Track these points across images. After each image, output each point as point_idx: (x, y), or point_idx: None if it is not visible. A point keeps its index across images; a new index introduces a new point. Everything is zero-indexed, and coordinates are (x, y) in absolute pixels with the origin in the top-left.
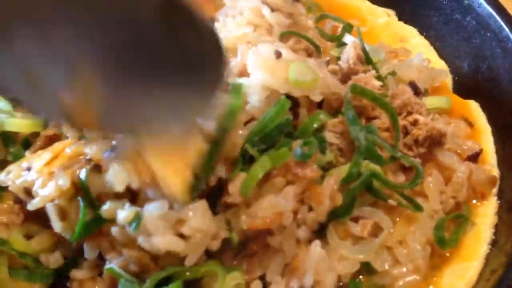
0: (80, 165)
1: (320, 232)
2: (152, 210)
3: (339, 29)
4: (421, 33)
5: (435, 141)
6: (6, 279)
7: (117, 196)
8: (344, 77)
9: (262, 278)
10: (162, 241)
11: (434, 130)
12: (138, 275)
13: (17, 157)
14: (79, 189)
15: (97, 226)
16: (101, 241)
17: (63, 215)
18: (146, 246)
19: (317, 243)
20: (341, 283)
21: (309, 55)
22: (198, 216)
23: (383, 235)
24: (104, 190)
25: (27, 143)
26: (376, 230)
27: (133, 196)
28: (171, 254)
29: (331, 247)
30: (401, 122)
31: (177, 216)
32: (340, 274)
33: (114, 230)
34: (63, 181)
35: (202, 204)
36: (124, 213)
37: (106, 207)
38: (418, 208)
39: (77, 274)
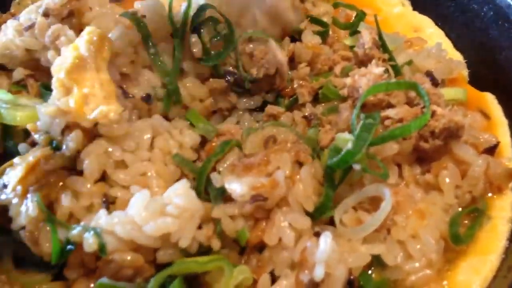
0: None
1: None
2: (135, 203)
3: (353, 19)
4: (436, 23)
5: (452, 133)
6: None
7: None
8: (359, 63)
9: (271, 272)
10: (153, 226)
11: (452, 122)
12: (131, 279)
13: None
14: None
15: (74, 248)
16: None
17: (34, 241)
18: (142, 240)
19: (327, 235)
20: (352, 277)
21: None
22: (181, 196)
23: (387, 203)
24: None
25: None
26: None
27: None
28: (167, 243)
29: (341, 238)
30: (417, 112)
31: (160, 201)
32: (350, 267)
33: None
34: (32, 209)
35: (183, 184)
36: (89, 241)
37: (74, 233)
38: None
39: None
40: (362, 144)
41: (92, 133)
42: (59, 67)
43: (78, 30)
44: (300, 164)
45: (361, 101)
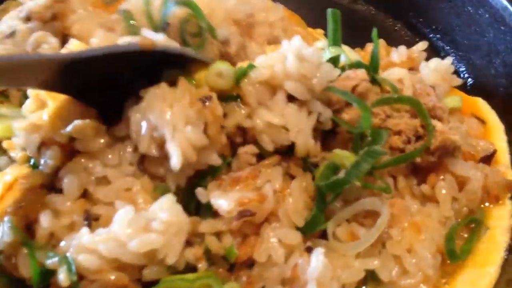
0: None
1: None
2: (119, 219)
3: None
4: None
5: (447, 151)
6: None
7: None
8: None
9: None
10: (138, 243)
11: (449, 141)
12: None
13: None
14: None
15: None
16: None
17: (13, 266)
18: (126, 257)
19: (319, 251)
20: None
21: None
22: (166, 210)
23: (383, 218)
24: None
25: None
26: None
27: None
28: (153, 260)
29: (334, 252)
30: (415, 124)
31: (145, 217)
32: (343, 283)
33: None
34: (7, 234)
35: (168, 198)
36: (61, 277)
37: (49, 263)
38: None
39: None
40: (356, 174)
41: (70, 149)
42: None
43: (61, 35)
44: (291, 177)
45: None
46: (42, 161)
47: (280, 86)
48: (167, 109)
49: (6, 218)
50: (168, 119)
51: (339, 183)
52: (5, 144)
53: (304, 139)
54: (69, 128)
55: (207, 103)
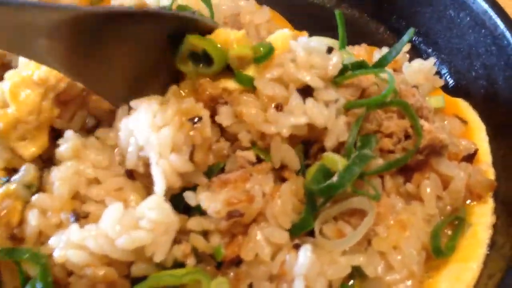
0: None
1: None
2: (108, 216)
3: None
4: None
5: (435, 150)
6: None
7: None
8: None
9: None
10: (126, 240)
11: (437, 140)
12: None
13: None
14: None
15: None
16: None
17: None
18: (115, 254)
19: (307, 248)
20: None
21: None
22: (154, 209)
23: (369, 217)
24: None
25: None
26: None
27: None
28: (141, 256)
29: (321, 249)
30: (405, 125)
31: (133, 215)
32: (330, 279)
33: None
34: None
35: (156, 199)
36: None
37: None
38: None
39: None
40: (349, 178)
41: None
42: (11, 75)
43: None
44: (283, 180)
45: (358, 123)
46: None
47: (293, 81)
48: (154, 133)
49: None
50: (154, 145)
51: (333, 187)
52: None
53: (334, 128)
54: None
55: (197, 124)
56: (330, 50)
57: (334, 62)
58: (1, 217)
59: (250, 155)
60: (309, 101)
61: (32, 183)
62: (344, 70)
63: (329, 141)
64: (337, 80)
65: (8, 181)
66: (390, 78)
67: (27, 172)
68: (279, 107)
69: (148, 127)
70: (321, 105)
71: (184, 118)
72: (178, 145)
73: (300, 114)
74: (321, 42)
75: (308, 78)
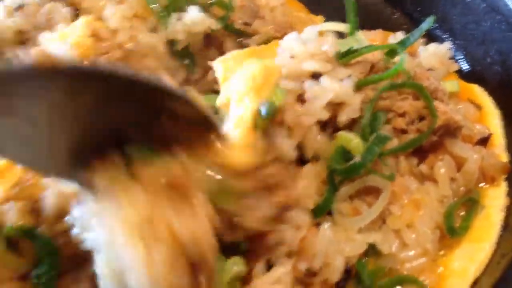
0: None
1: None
2: None
3: None
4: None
5: (449, 131)
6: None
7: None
8: None
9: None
10: None
11: (452, 121)
12: None
13: None
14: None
15: None
16: None
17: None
18: None
19: (326, 226)
20: (348, 265)
21: None
22: None
23: (385, 194)
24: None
25: None
26: None
27: None
28: None
29: (338, 227)
30: (419, 106)
31: None
32: (347, 256)
33: None
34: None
35: None
36: None
37: None
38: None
39: None
40: (371, 158)
41: None
42: None
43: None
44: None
45: (372, 102)
46: None
47: (301, 74)
48: None
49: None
50: None
51: (356, 167)
52: None
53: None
54: None
55: None
56: (342, 36)
57: (329, 42)
58: (26, 187)
59: None
60: (323, 78)
61: None
62: (351, 53)
63: (344, 115)
64: (344, 60)
65: None
66: (401, 52)
67: None
68: (301, 99)
69: None
70: (336, 80)
71: None
72: None
73: (323, 94)
74: (334, 27)
75: (314, 65)
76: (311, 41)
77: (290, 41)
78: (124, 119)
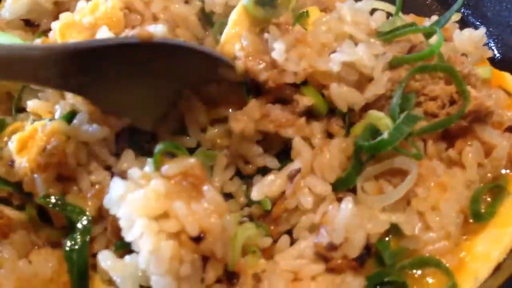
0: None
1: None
2: None
3: None
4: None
5: (479, 117)
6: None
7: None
8: None
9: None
10: None
11: (483, 106)
12: None
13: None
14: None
15: None
16: None
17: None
18: None
19: (349, 200)
20: (369, 242)
21: None
22: None
23: (412, 176)
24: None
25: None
26: None
27: None
28: None
29: (361, 205)
30: (451, 90)
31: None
32: (368, 233)
33: None
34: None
35: None
36: None
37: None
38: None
39: None
40: (399, 136)
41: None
42: (65, 17)
43: None
44: (330, 136)
45: (403, 82)
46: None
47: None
48: None
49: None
50: None
51: (382, 144)
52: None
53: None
54: None
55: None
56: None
57: (377, 16)
58: (53, 154)
59: (306, 100)
60: (361, 45)
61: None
62: (395, 31)
63: (370, 92)
64: (387, 37)
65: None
66: (439, 34)
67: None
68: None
69: None
70: (370, 54)
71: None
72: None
73: (351, 54)
74: (384, 6)
75: (353, 31)
76: (362, 12)
77: (344, 5)
78: (186, 81)
